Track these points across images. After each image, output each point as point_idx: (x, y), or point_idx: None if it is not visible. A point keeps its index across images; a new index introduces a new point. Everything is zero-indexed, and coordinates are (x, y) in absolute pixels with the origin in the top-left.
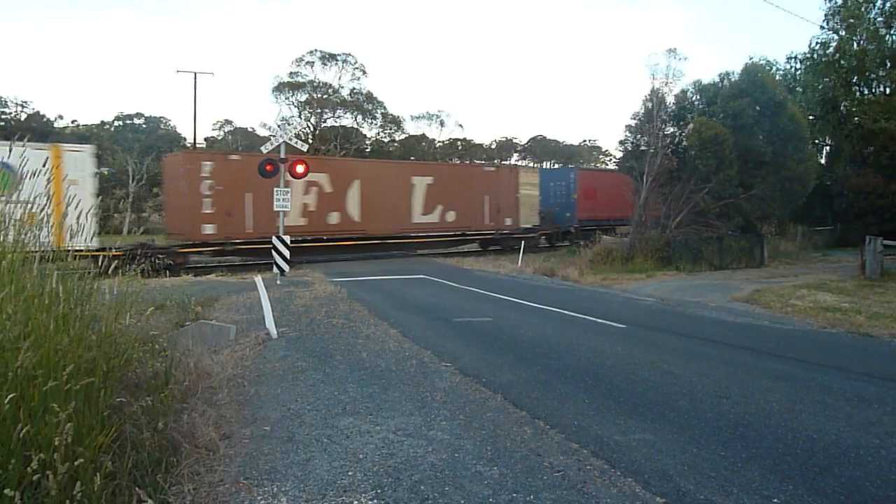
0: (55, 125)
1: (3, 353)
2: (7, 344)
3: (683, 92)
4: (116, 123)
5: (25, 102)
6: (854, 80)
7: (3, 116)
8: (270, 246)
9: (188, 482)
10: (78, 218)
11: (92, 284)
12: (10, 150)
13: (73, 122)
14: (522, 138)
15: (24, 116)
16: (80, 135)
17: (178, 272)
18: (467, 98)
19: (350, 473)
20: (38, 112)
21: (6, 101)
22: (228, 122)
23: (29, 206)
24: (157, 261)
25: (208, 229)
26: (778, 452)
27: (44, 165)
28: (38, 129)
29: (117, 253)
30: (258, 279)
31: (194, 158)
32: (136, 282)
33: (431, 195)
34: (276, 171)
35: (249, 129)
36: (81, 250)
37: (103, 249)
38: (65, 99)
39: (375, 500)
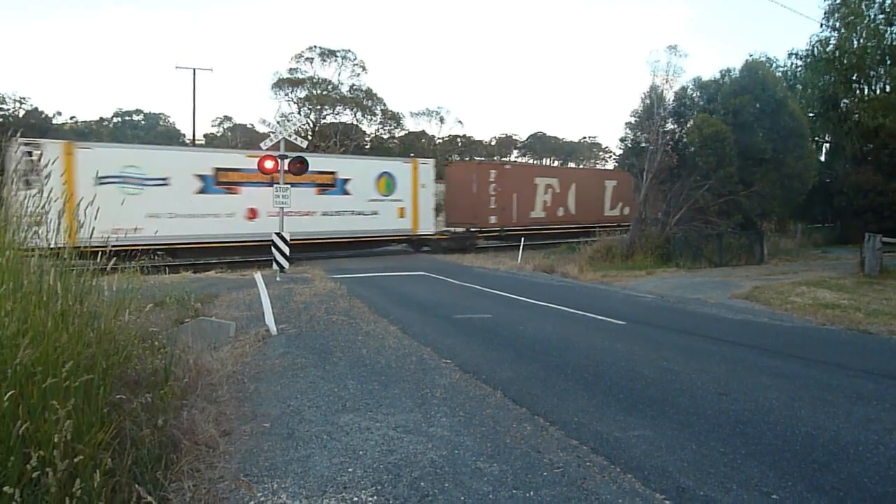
0: (53, 121)
1: (2, 349)
2: (5, 341)
3: (684, 89)
4: (115, 120)
5: (24, 99)
6: (854, 78)
7: (1, 113)
8: (526, 231)
9: (188, 479)
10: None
11: (91, 281)
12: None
13: (71, 118)
14: (522, 135)
15: (22, 113)
16: (79, 131)
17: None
18: (467, 94)
19: (350, 470)
20: (36, 108)
21: (4, 98)
22: (228, 118)
23: (398, 201)
24: (469, 242)
25: (492, 219)
26: (777, 449)
27: (409, 174)
28: (36, 126)
29: (443, 237)
30: (258, 276)
31: (484, 168)
32: (136, 278)
33: (615, 195)
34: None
35: (249, 126)
36: (426, 234)
37: (441, 233)
38: (63, 95)
39: (375, 497)
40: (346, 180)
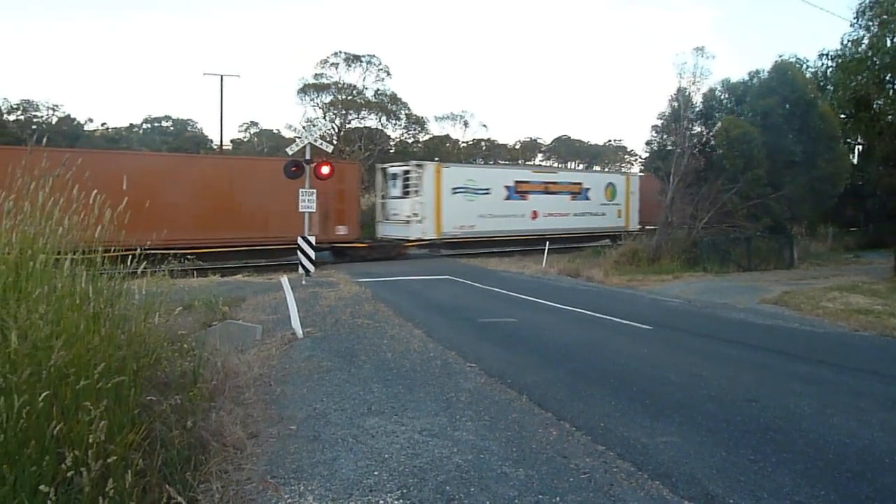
0: (85, 128)
1: (37, 351)
2: (40, 343)
3: (711, 91)
4: (145, 126)
5: (56, 106)
6: (887, 78)
7: (35, 119)
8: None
9: (216, 480)
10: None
11: (121, 284)
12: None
13: (102, 124)
14: (547, 138)
15: (55, 120)
16: (110, 137)
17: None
18: (491, 98)
19: (376, 473)
20: (68, 115)
21: (38, 105)
22: (254, 123)
23: (617, 205)
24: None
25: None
26: (809, 457)
27: (623, 184)
28: (68, 133)
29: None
30: (284, 280)
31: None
32: (164, 282)
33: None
34: (302, 173)
35: (275, 131)
36: (634, 230)
37: (640, 229)
38: (94, 102)
39: (401, 500)
40: (587, 189)
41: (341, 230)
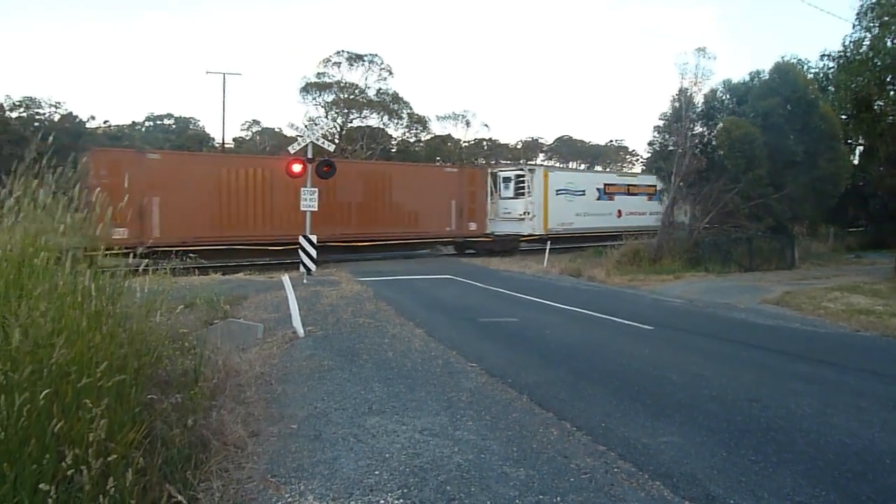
0: (87, 126)
1: (38, 349)
2: (41, 340)
3: (713, 91)
4: (147, 124)
5: (59, 103)
6: (889, 79)
7: (37, 117)
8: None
9: (217, 479)
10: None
11: (122, 282)
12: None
13: (104, 122)
14: (548, 138)
15: (57, 117)
16: (112, 135)
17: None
18: (493, 98)
19: (376, 472)
20: (70, 113)
21: (40, 102)
22: (256, 122)
23: None
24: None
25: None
26: (810, 457)
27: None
28: (70, 130)
29: None
30: (285, 278)
31: None
32: (166, 280)
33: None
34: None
35: (277, 130)
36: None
37: None
38: (97, 100)
39: (402, 500)
40: (660, 191)
41: (472, 226)
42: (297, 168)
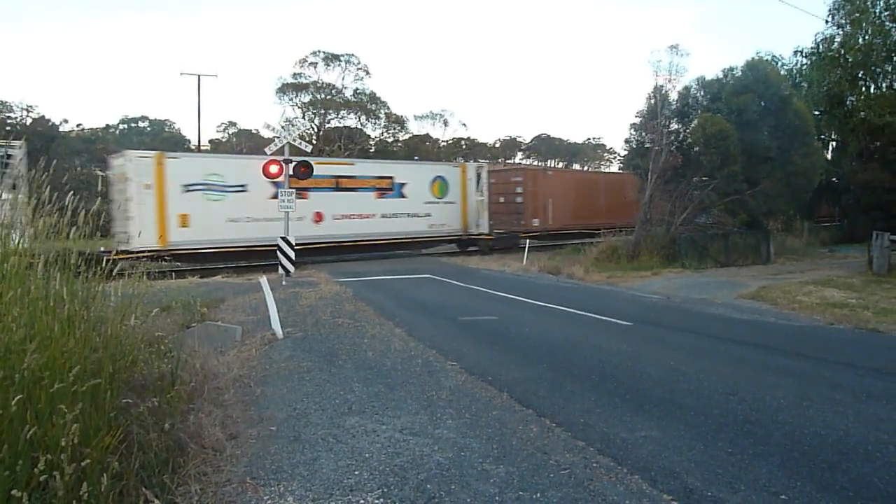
0: (60, 129)
1: (10, 355)
2: (13, 346)
3: (687, 88)
4: (121, 126)
5: (30, 107)
6: (860, 75)
7: (8, 121)
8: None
9: (195, 482)
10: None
11: (96, 286)
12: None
13: (77, 125)
14: (526, 137)
15: (29, 121)
16: (86, 138)
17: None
18: (471, 97)
19: (356, 472)
20: (43, 116)
21: (11, 106)
22: (232, 123)
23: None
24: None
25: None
26: (786, 449)
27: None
28: (43, 134)
29: None
30: (263, 280)
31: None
32: (142, 283)
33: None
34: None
35: (254, 131)
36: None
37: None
38: (69, 103)
39: (382, 499)
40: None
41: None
42: (273, 169)
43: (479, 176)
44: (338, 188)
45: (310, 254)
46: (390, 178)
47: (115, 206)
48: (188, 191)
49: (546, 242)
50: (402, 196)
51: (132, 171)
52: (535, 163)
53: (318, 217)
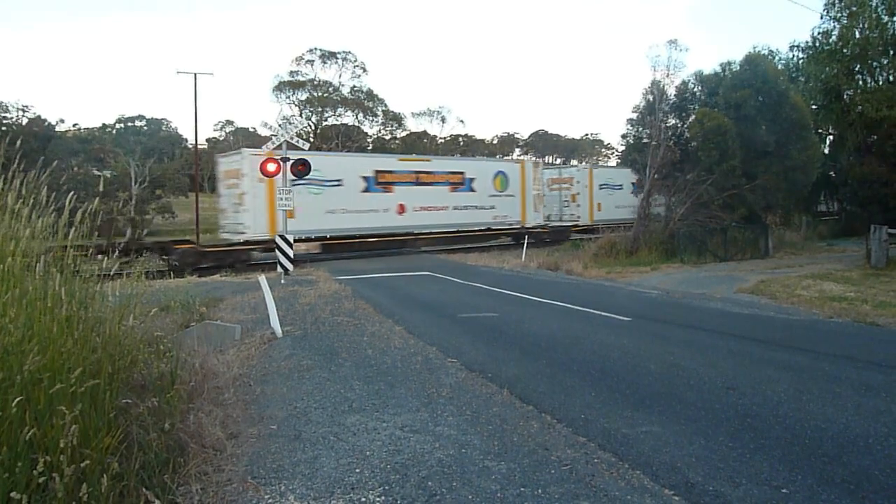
0: (56, 129)
1: (8, 356)
2: (11, 348)
3: (685, 83)
4: (118, 126)
5: (26, 107)
6: (857, 69)
7: (4, 121)
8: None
9: (196, 482)
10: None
11: (95, 287)
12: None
13: (74, 125)
14: (524, 133)
15: (25, 121)
16: (82, 138)
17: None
18: (468, 93)
19: (357, 470)
20: (39, 116)
21: (7, 107)
22: (230, 122)
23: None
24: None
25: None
26: (786, 442)
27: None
28: (39, 134)
29: None
30: (262, 279)
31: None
32: (141, 283)
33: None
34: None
35: (251, 129)
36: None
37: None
38: (66, 102)
39: (383, 497)
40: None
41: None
42: (271, 167)
43: (535, 171)
44: (417, 182)
45: (395, 245)
46: (461, 173)
47: (224, 200)
48: (294, 185)
49: (591, 236)
50: (472, 190)
51: (247, 167)
52: (533, 159)
53: (401, 209)
